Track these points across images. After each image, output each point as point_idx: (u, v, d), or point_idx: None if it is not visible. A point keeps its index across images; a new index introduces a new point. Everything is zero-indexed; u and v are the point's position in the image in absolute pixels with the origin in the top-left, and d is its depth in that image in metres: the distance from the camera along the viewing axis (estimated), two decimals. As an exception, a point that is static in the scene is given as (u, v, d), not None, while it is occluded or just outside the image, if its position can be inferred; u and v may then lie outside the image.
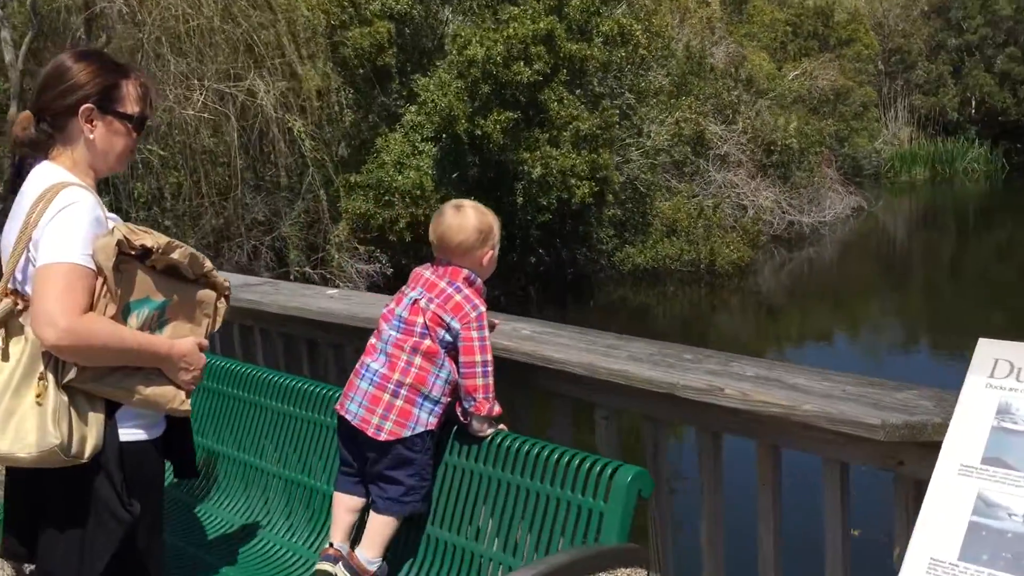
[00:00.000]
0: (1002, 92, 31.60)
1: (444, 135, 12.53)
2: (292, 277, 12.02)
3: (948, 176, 31.01)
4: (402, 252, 12.88)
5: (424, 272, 2.76)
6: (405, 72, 13.64)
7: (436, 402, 2.65)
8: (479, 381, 2.61)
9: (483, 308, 2.64)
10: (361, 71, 12.73)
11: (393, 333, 2.70)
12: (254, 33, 11.00)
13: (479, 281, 2.72)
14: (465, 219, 2.70)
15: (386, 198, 12.20)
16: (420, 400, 2.63)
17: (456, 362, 2.65)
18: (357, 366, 2.77)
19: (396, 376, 2.64)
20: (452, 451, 2.72)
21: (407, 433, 2.62)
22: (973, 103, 32.14)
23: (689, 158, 17.19)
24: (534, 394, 2.94)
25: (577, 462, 2.41)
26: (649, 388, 2.39)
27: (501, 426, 2.69)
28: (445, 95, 12.08)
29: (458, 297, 2.64)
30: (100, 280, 2.14)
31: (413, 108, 12.78)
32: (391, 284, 13.24)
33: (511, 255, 13.68)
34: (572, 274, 15.32)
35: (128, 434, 2.24)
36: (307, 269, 12.91)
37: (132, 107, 2.31)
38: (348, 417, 2.69)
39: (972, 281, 16.67)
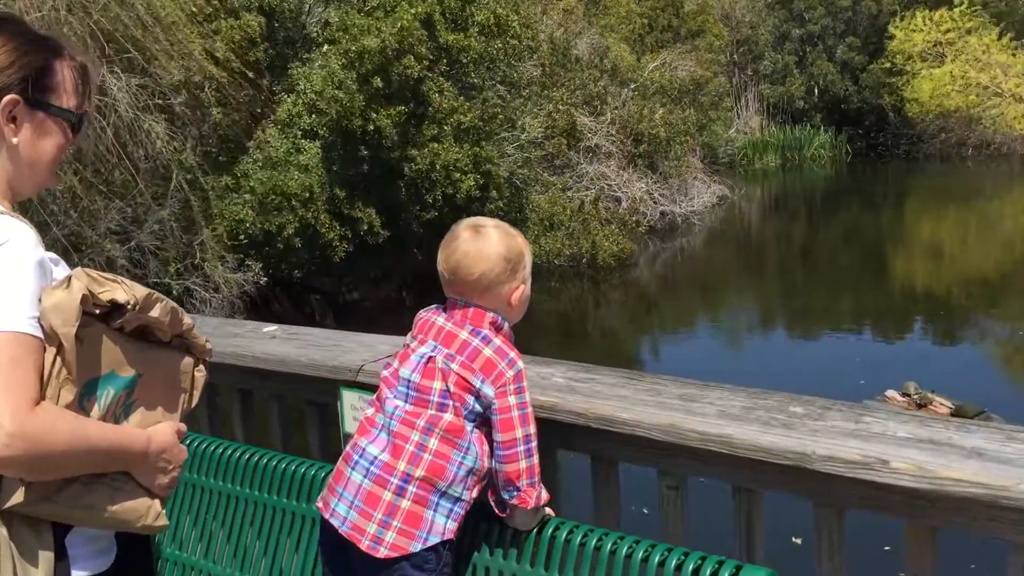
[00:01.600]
0: (843, 80, 32.83)
1: (326, 131, 11.67)
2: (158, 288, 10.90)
3: (798, 163, 32.00)
4: (279, 258, 11.92)
5: (435, 318, 2.08)
6: (275, 68, 12.68)
7: (457, 500, 1.98)
8: (523, 464, 1.96)
9: (521, 363, 2.00)
10: (230, 66, 11.73)
11: (400, 404, 2.02)
12: (106, 25, 9.86)
13: (507, 326, 2.07)
14: (488, 244, 2.05)
15: (268, 201, 11.22)
16: (435, 499, 1.96)
17: (487, 438, 2.01)
18: (348, 449, 2.07)
19: (403, 465, 1.96)
20: (482, 548, 2.07)
21: (417, 547, 1.94)
22: (817, 91, 33.25)
23: (562, 151, 16.84)
24: (562, 456, 2.33)
25: (675, 561, 1.82)
26: (766, 459, 1.82)
27: (548, 511, 2.07)
28: (335, 87, 11.22)
29: (488, 351, 1.98)
30: (52, 352, 1.46)
31: (289, 99, 11.85)
32: (265, 295, 12.29)
33: (389, 257, 12.98)
34: (452, 274, 14.69)
35: (82, 569, 1.57)
36: (168, 280, 11.81)
37: (69, 98, 1.62)
38: (335, 523, 1.99)
39: (824, 265, 17.19)
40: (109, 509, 1.57)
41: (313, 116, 11.62)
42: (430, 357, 2.01)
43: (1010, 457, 1.64)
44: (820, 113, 33.14)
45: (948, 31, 29.97)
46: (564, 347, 11.68)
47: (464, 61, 12.76)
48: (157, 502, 1.67)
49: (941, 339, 11.51)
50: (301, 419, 2.89)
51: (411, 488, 1.95)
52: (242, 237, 11.44)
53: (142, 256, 11.74)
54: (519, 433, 1.96)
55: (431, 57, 11.62)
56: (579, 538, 1.95)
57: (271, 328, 2.95)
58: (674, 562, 1.82)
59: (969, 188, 25.52)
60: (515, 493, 1.97)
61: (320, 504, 2.06)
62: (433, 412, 1.97)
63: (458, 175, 11.87)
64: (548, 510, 2.06)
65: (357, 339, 2.69)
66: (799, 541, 5.16)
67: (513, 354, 2.00)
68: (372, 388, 2.47)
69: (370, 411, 2.10)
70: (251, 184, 11.20)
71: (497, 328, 2.04)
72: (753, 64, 33.25)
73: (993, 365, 10.24)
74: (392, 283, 13.83)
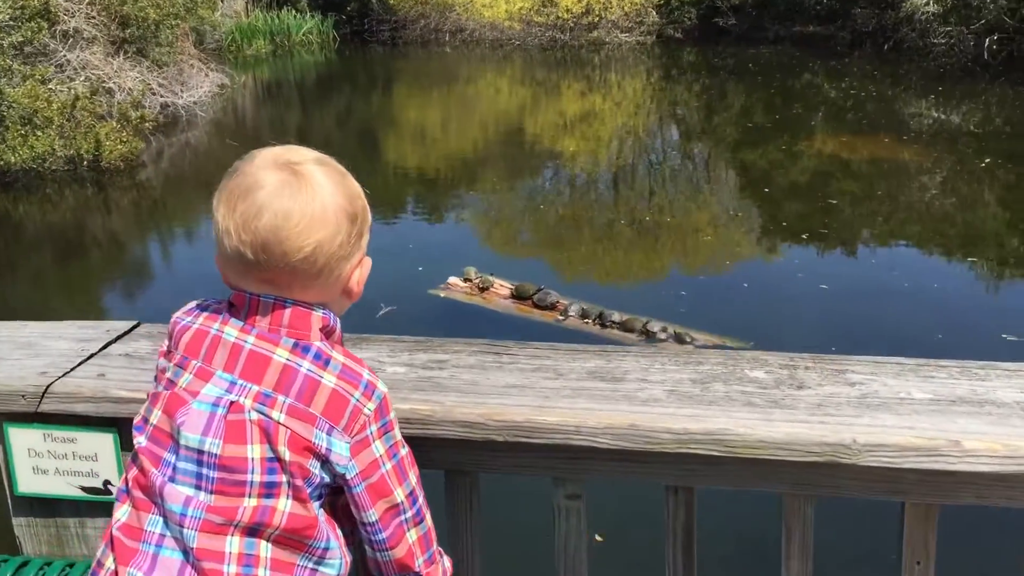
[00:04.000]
0: (323, -38, 32.39)
1: None
2: None
3: (288, 48, 31.24)
4: None
5: (219, 329, 1.20)
6: None
7: None
8: (412, 535, 1.24)
9: (383, 385, 1.22)
10: None
11: (191, 495, 1.14)
12: None
13: (338, 325, 1.26)
14: (320, 194, 1.19)
15: None
16: None
17: (342, 516, 1.25)
18: None
19: None
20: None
21: None
22: (298, -26, 32.43)
23: (41, 36, 14.30)
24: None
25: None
26: (782, 458, 1.32)
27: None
28: None
29: (330, 379, 1.17)
30: None
31: None
32: None
33: None
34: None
35: None
36: None
37: None
38: None
39: (333, 152, 17.05)
40: None
41: None
42: (232, 403, 1.14)
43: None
44: (305, -3, 32.47)
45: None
46: (63, 266, 10.06)
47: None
48: None
49: (447, 219, 11.75)
50: None
51: None
52: None
53: None
54: (399, 495, 1.22)
55: None
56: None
57: None
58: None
59: (448, 73, 26.88)
60: None
61: None
62: (256, 502, 1.13)
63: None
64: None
65: (4, 333, 1.63)
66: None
67: (367, 373, 1.21)
68: (62, 421, 1.52)
69: (123, 511, 1.18)
70: None
71: (329, 334, 1.23)
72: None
73: (504, 240, 10.64)
74: None
